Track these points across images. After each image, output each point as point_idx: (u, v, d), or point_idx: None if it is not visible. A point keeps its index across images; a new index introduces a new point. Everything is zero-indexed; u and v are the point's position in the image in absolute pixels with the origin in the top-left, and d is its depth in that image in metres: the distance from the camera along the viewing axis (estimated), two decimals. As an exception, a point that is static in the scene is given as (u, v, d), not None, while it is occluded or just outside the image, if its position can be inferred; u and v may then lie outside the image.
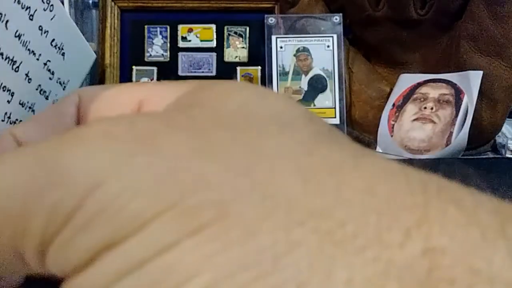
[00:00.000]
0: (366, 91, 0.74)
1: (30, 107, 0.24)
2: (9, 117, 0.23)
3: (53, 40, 0.24)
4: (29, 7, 0.23)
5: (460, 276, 0.09)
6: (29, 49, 0.23)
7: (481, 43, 0.67)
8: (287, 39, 0.75)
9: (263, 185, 0.11)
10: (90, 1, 0.83)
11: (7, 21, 0.22)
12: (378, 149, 0.72)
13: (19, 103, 0.23)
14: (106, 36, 0.80)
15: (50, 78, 0.25)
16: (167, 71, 0.81)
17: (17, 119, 0.23)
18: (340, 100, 0.73)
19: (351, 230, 0.10)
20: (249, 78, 0.82)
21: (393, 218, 0.10)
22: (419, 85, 0.71)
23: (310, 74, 0.74)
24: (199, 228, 0.10)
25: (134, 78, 0.81)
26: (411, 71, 0.74)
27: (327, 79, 0.74)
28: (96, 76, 0.81)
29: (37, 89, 0.24)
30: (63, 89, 0.26)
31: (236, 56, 0.82)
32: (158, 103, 0.17)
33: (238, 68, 0.82)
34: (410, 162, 0.64)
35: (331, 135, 0.14)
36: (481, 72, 0.66)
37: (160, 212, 0.11)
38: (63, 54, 0.25)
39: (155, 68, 0.81)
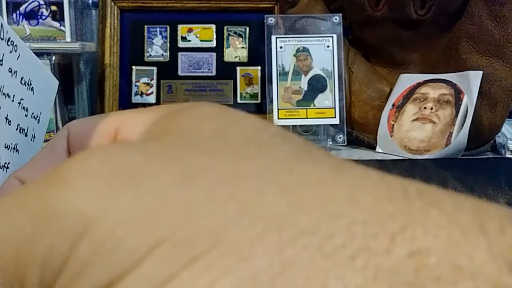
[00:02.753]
0: (366, 91, 0.74)
1: (14, 148, 0.24)
2: None
3: (22, 78, 0.25)
4: None
5: (445, 274, 0.10)
6: (4, 93, 0.23)
7: (480, 43, 0.67)
8: (287, 39, 0.75)
9: (250, 208, 0.11)
10: (90, 1, 0.83)
11: None
12: (378, 149, 0.72)
13: (5, 147, 0.24)
14: (105, 36, 0.80)
15: (25, 115, 0.25)
16: (167, 71, 0.81)
17: (6, 163, 0.23)
18: (340, 100, 0.73)
19: (339, 242, 0.10)
20: (249, 78, 0.82)
21: (378, 226, 0.10)
22: (419, 85, 0.71)
23: (310, 74, 0.74)
24: (194, 259, 0.10)
25: (134, 78, 0.81)
26: (411, 71, 0.74)
27: (327, 79, 0.74)
28: (96, 76, 0.81)
29: (17, 129, 0.25)
30: (38, 122, 0.26)
31: (236, 56, 0.82)
32: (132, 130, 0.17)
33: (238, 68, 0.82)
34: (409, 162, 0.64)
35: (307, 150, 0.14)
36: (480, 72, 0.66)
37: (154, 246, 0.11)
38: (32, 89, 0.25)
39: (155, 68, 0.81)
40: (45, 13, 0.78)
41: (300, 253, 0.10)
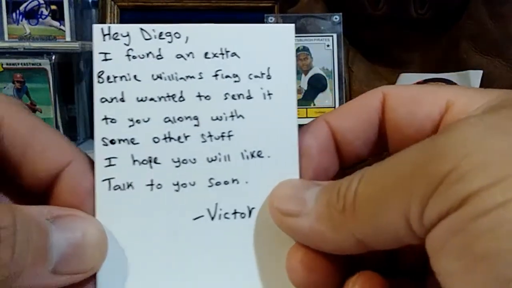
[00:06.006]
0: (366, 91, 0.74)
1: (233, 116, 0.26)
2: None
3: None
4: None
5: None
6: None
7: (481, 43, 0.67)
8: (287, 38, 0.74)
9: None
10: (90, 0, 0.82)
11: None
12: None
13: (216, 119, 0.26)
14: (105, 35, 0.80)
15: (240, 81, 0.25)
16: (167, 70, 0.81)
17: (229, 131, 0.25)
18: (340, 99, 0.73)
19: None
20: (249, 78, 0.82)
21: None
22: (419, 84, 0.71)
23: (310, 74, 0.74)
24: None
25: (133, 78, 0.81)
26: (411, 71, 0.74)
27: (327, 78, 0.74)
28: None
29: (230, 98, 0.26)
30: (268, 78, 0.25)
31: (236, 56, 0.82)
32: (465, 104, 0.21)
33: (238, 68, 0.81)
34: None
35: None
36: (481, 72, 0.66)
37: (501, 181, 0.15)
38: (235, 54, 0.25)
39: (154, 68, 0.81)
40: (45, 12, 0.78)
41: None
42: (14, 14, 0.77)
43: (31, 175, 0.22)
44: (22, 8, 0.77)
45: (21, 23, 0.78)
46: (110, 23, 0.80)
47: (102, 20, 0.80)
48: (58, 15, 0.78)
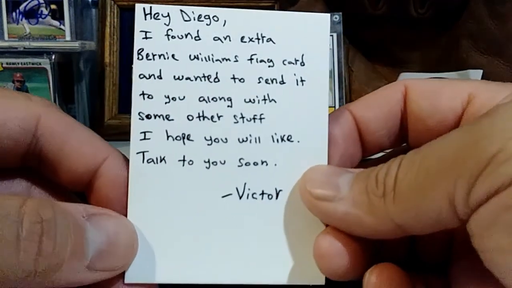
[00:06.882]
0: (366, 90, 0.74)
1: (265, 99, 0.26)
2: None
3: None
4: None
5: None
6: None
7: (481, 42, 0.67)
8: (287, 38, 0.74)
9: None
10: (90, 0, 0.82)
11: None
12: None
13: (248, 101, 0.26)
14: (105, 35, 0.80)
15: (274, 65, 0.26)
16: (167, 70, 0.81)
17: (260, 114, 0.26)
18: (340, 99, 0.73)
19: None
20: (249, 77, 0.81)
21: None
22: (419, 84, 0.71)
23: (310, 73, 0.74)
24: None
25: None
26: (411, 70, 0.74)
27: (327, 78, 0.74)
28: (96, 75, 0.81)
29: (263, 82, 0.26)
30: (302, 65, 0.26)
31: (236, 55, 0.81)
32: (488, 97, 0.22)
33: (238, 67, 0.81)
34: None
35: None
36: (481, 71, 0.66)
37: None
38: (270, 40, 0.25)
39: (154, 67, 0.81)
40: (45, 12, 0.78)
41: None
42: (14, 14, 0.77)
43: (69, 171, 0.23)
44: (22, 7, 0.77)
45: (21, 22, 0.78)
46: (110, 22, 0.80)
47: (102, 20, 0.80)
48: (58, 15, 0.78)
